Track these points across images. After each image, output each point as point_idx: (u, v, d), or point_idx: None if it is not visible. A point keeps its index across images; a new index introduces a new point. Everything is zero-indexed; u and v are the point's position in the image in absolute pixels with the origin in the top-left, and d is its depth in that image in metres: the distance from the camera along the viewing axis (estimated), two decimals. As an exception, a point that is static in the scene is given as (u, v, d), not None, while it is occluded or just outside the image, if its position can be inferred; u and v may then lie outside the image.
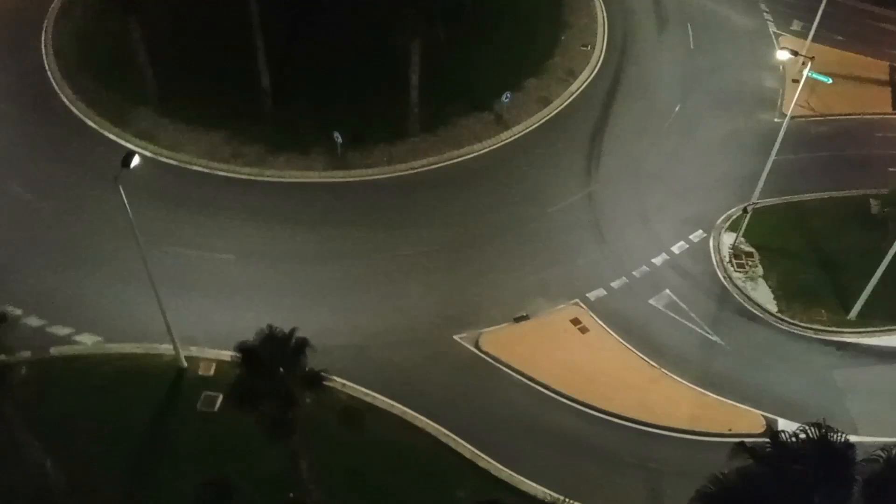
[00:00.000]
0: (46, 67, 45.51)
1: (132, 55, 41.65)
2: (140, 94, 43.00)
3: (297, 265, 35.96)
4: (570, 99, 45.49)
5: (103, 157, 38.22)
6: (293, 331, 24.58)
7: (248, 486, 26.75)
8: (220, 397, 30.05)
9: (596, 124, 43.87)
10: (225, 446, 28.74)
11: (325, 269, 35.88)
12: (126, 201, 26.61)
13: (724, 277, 36.82)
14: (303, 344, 24.43)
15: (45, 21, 48.80)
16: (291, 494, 27.59)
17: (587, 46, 49.19)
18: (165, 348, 31.57)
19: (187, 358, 31.70)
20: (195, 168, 40.01)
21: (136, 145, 40.03)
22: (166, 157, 40.30)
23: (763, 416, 31.44)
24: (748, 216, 36.76)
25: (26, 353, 30.61)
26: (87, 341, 32.50)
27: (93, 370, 31.47)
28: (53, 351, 32.04)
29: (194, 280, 34.62)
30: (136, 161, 27.78)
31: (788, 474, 18.26)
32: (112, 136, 41.28)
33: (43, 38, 47.52)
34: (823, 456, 18.27)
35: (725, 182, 40.68)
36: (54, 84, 44.44)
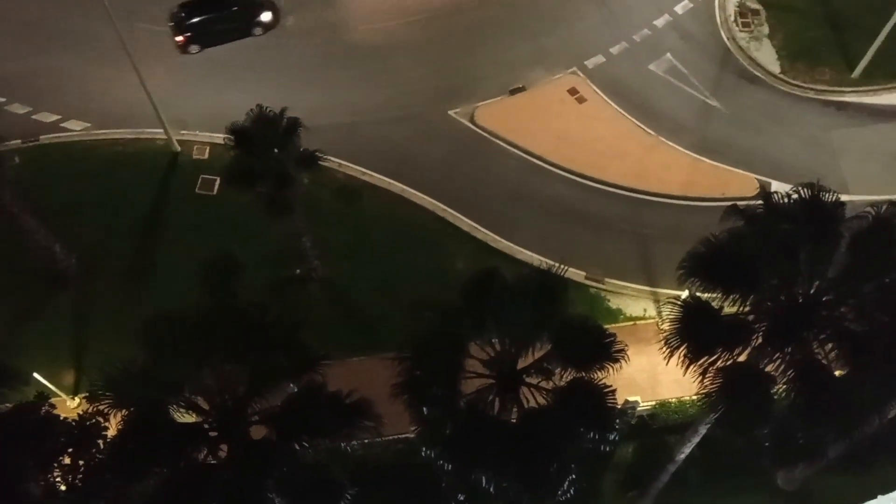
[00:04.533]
0: None
1: None
2: None
3: (279, 39, 34.34)
4: None
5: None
6: (283, 110, 24.12)
7: (253, 263, 27.67)
8: (218, 180, 30.13)
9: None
10: (227, 227, 29.34)
11: (309, 44, 34.34)
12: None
13: (728, 38, 35.27)
14: (294, 124, 24.07)
15: None
16: (298, 271, 28.68)
17: None
18: (156, 132, 31.12)
19: (179, 142, 31.37)
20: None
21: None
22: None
23: (757, 178, 31.70)
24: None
25: (16, 142, 30.28)
26: (76, 128, 31.97)
27: (87, 156, 31.32)
28: (44, 139, 31.62)
29: (174, 60, 33.27)
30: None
31: (777, 233, 18.70)
32: None
33: None
34: (812, 214, 18.58)
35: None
36: None
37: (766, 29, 35.42)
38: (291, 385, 17.61)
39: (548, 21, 35.28)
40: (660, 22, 35.32)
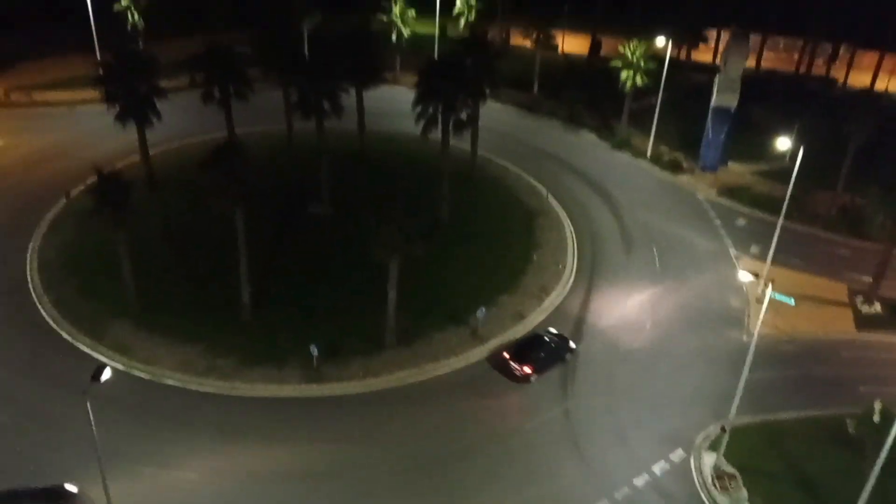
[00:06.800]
0: (29, 280, 46.42)
1: (118, 268, 42.69)
2: (121, 305, 43.62)
3: (264, 485, 34.31)
4: (544, 315, 46.57)
5: (75, 370, 37.70)
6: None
7: None
8: None
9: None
10: None
11: (293, 490, 34.23)
12: (92, 419, 25.92)
13: (708, 500, 35.57)
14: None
15: (35, 234, 50.57)
16: None
17: (559, 265, 51.32)
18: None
19: None
20: (167, 382, 39.43)
21: (110, 358, 39.95)
22: (139, 371, 39.88)
23: None
24: (726, 436, 36.40)
25: None
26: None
27: None
28: None
29: (154, 502, 32.75)
30: (106, 374, 27.45)
31: None
32: (85, 349, 41.11)
33: (29, 251, 48.95)
34: None
35: (700, 398, 40.73)
36: (34, 296, 45.07)
37: (744, 493, 35.83)
38: None
39: (529, 474, 35.86)
40: (639, 481, 35.93)
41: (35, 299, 44.75)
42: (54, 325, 42.81)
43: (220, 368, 40.29)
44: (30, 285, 45.88)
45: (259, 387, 39.57)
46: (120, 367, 39.21)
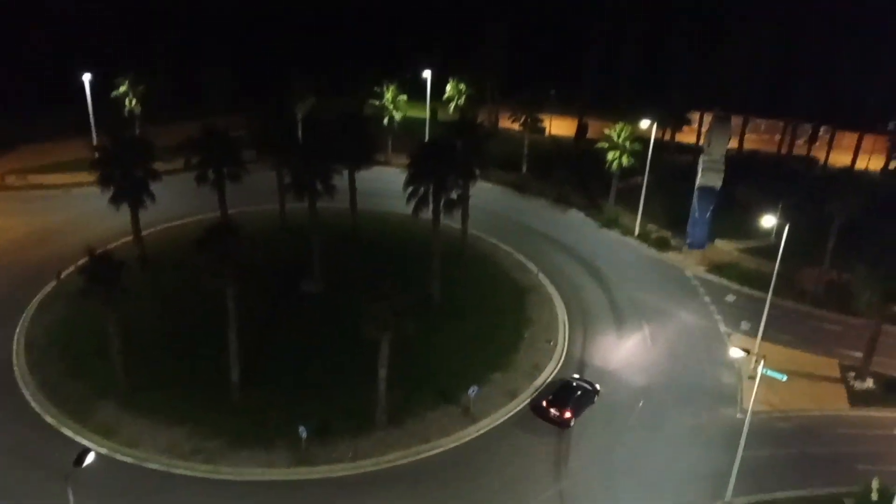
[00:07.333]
0: (14, 361, 45.90)
1: (105, 348, 42.33)
2: (108, 386, 43.01)
3: None
4: (537, 392, 46.21)
5: (57, 454, 36.92)
6: None
7: None
8: None
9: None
10: None
11: None
12: None
13: (712, 584, 34.62)
14: None
15: (23, 315, 50.27)
16: None
17: (550, 342, 51.21)
18: None
19: None
20: (152, 466, 38.52)
21: (93, 441, 39.18)
22: (123, 455, 38.98)
23: None
24: (724, 516, 35.71)
25: None
26: None
27: None
28: None
29: None
30: (89, 459, 26.92)
31: None
32: (69, 433, 40.26)
33: (17, 331, 48.56)
34: None
35: (696, 477, 39.97)
36: (18, 378, 44.46)
37: (744, 576, 34.98)
38: None
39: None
40: (636, 565, 35.02)
41: (19, 381, 44.15)
42: (38, 409, 42.06)
43: (207, 451, 39.46)
44: (14, 367, 45.35)
45: (246, 470, 38.68)
46: (104, 451, 38.40)
